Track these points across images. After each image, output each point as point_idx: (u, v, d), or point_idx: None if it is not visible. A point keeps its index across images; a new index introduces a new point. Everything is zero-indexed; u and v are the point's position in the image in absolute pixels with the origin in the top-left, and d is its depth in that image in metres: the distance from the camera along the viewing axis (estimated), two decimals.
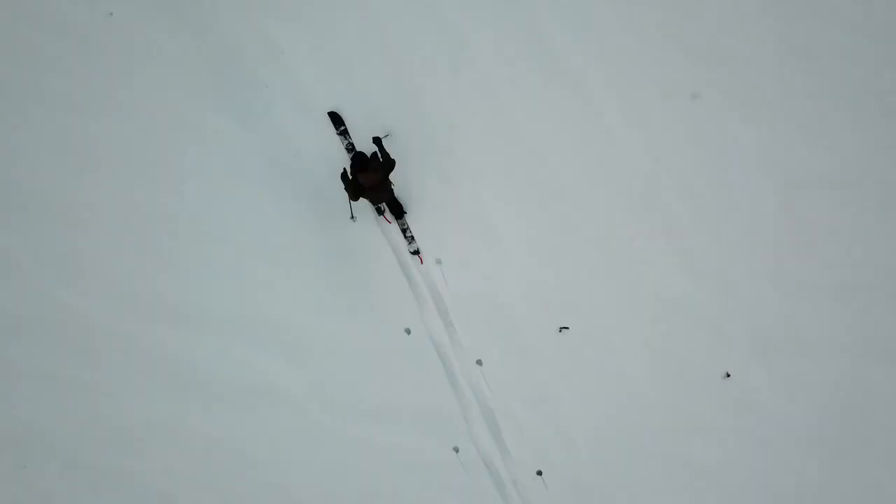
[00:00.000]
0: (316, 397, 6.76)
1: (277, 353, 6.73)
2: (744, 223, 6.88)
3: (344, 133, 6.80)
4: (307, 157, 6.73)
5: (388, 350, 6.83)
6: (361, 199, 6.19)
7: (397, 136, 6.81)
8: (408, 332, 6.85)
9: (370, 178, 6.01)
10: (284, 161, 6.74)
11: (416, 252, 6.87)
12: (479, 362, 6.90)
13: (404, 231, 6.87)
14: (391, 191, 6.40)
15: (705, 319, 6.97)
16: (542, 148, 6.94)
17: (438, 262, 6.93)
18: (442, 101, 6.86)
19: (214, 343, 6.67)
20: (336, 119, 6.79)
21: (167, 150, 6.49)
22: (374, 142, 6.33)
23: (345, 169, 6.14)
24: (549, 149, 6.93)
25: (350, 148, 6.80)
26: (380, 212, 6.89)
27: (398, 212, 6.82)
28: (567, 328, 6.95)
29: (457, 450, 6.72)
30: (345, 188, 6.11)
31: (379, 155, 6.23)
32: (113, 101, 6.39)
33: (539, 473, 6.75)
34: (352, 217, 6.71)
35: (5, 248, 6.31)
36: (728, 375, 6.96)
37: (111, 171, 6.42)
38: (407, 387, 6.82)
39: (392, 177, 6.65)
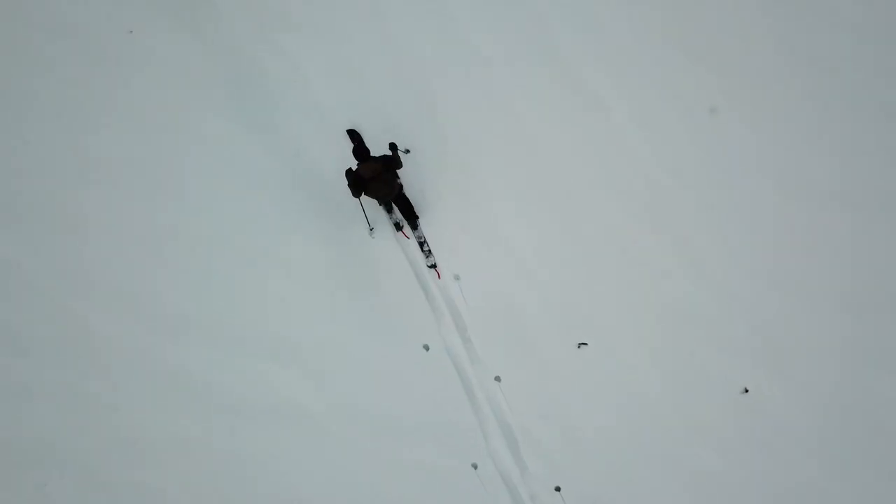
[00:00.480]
0: (333, 413, 6.73)
1: (295, 368, 6.71)
2: (764, 238, 6.86)
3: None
4: (326, 174, 6.72)
5: (407, 366, 6.82)
6: (379, 208, 6.14)
7: (415, 153, 6.78)
8: (426, 348, 6.84)
9: (370, 168, 6.01)
10: (303, 178, 6.74)
11: (434, 266, 6.84)
12: (497, 378, 6.89)
13: (422, 244, 6.86)
14: (397, 186, 6.34)
15: (721, 333, 6.97)
16: (559, 163, 6.95)
17: (457, 277, 6.92)
18: (459, 117, 6.87)
19: (232, 359, 6.65)
20: (354, 136, 6.76)
21: (184, 167, 6.47)
22: (390, 147, 6.38)
23: (350, 168, 6.17)
24: (565, 165, 6.95)
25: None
26: (398, 227, 6.87)
27: (410, 213, 6.77)
28: (585, 344, 6.93)
29: (475, 466, 6.71)
30: (348, 185, 6.13)
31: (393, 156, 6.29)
32: (130, 115, 6.38)
33: (557, 489, 6.74)
34: (370, 229, 6.69)
35: (17, 263, 6.27)
36: (746, 391, 6.94)
37: (129, 186, 6.42)
38: (425, 403, 6.80)
39: (411, 192, 6.67)
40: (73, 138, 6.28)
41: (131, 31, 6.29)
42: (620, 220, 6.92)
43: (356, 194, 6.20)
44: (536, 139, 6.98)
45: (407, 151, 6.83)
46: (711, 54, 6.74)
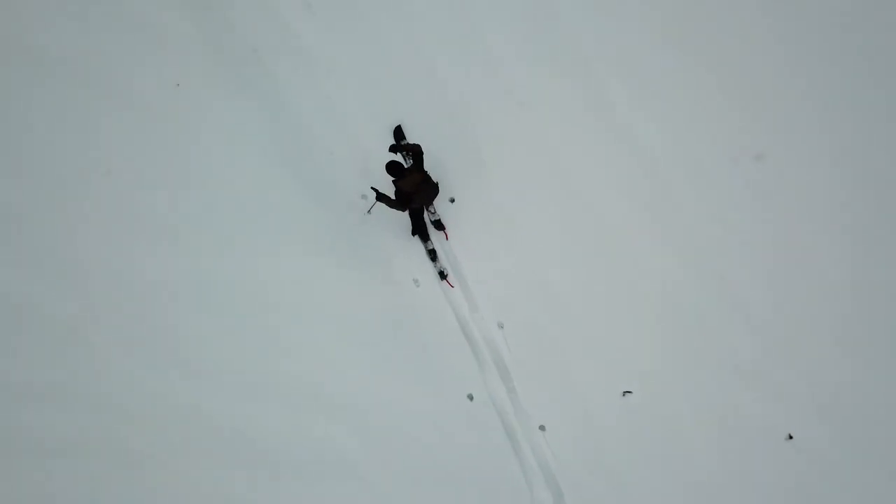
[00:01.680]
0: (378, 464, 6.65)
1: (339, 419, 6.63)
2: (819, 290, 6.82)
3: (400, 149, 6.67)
4: (371, 223, 6.63)
5: (451, 415, 6.75)
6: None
7: (461, 204, 6.74)
8: (470, 397, 6.78)
9: (409, 181, 5.80)
10: (347, 227, 6.65)
11: (443, 274, 6.78)
12: (541, 427, 6.83)
13: (431, 252, 6.79)
14: (436, 186, 6.15)
15: (767, 380, 6.93)
16: (603, 209, 6.91)
17: (500, 325, 6.86)
18: (502, 162, 6.84)
19: (276, 411, 6.57)
20: (399, 134, 6.68)
21: (232, 220, 6.42)
22: (391, 149, 6.11)
23: (376, 190, 5.99)
24: (610, 210, 6.90)
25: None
26: (443, 276, 6.82)
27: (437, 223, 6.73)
28: (630, 392, 6.88)
29: None
30: (385, 201, 5.92)
31: (403, 157, 6.03)
32: (178, 171, 6.33)
33: None
34: (368, 212, 6.50)
35: (72, 318, 6.21)
36: (790, 437, 6.90)
37: (178, 244, 6.34)
38: (469, 452, 6.73)
39: (456, 239, 6.63)
40: (122, 195, 6.22)
41: (178, 85, 6.23)
42: (666, 266, 6.87)
43: (404, 208, 6.05)
44: (579, 185, 6.93)
45: (452, 201, 6.78)
46: (774, 114, 6.67)
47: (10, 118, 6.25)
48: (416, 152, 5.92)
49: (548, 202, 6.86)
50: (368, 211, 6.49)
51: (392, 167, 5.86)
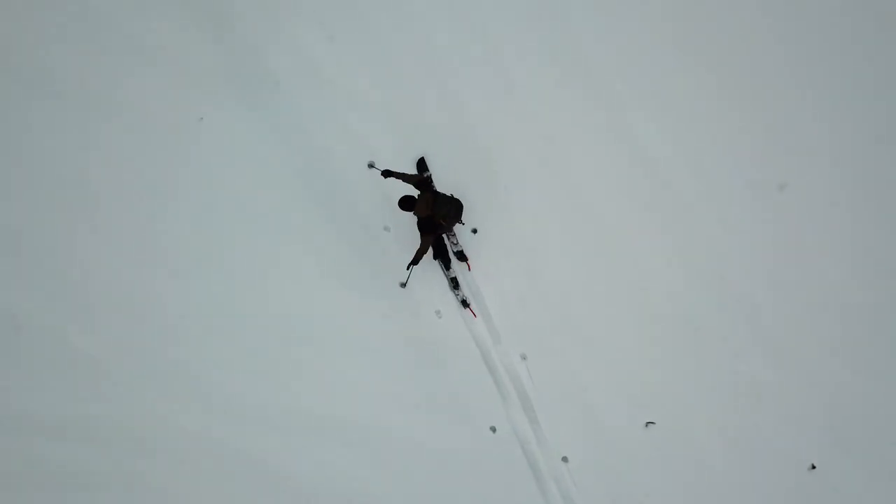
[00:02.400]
0: (401, 497, 6.63)
1: (362, 452, 6.61)
2: (834, 316, 6.80)
3: (429, 179, 6.59)
4: (394, 255, 6.60)
5: (474, 448, 6.73)
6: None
7: (483, 235, 6.71)
8: (493, 429, 6.75)
9: (422, 204, 5.58)
10: (369, 258, 6.61)
11: (466, 303, 6.76)
12: (564, 459, 6.80)
13: (453, 280, 6.74)
14: (452, 198, 5.94)
15: (790, 410, 6.90)
16: (628, 243, 6.84)
17: (523, 357, 6.83)
18: (528, 197, 6.76)
19: (297, 443, 6.55)
20: (422, 166, 6.65)
21: (255, 253, 6.39)
22: (383, 174, 5.77)
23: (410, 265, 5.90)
24: (634, 244, 6.84)
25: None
26: (465, 304, 6.79)
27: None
28: (653, 423, 6.85)
29: None
30: (418, 258, 5.82)
31: (400, 176, 5.74)
32: (204, 204, 6.30)
33: None
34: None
35: (95, 357, 6.20)
36: (813, 467, 6.87)
37: (203, 277, 6.32)
38: (493, 484, 6.71)
39: (478, 270, 6.60)
40: (144, 225, 6.19)
41: (202, 119, 6.20)
42: (692, 299, 6.83)
43: (435, 234, 5.90)
44: (603, 215, 6.88)
45: (474, 231, 6.75)
46: (797, 143, 6.64)
47: (32, 150, 6.21)
48: (412, 181, 5.72)
49: (570, 234, 6.81)
50: (404, 284, 6.54)
51: (404, 203, 5.76)
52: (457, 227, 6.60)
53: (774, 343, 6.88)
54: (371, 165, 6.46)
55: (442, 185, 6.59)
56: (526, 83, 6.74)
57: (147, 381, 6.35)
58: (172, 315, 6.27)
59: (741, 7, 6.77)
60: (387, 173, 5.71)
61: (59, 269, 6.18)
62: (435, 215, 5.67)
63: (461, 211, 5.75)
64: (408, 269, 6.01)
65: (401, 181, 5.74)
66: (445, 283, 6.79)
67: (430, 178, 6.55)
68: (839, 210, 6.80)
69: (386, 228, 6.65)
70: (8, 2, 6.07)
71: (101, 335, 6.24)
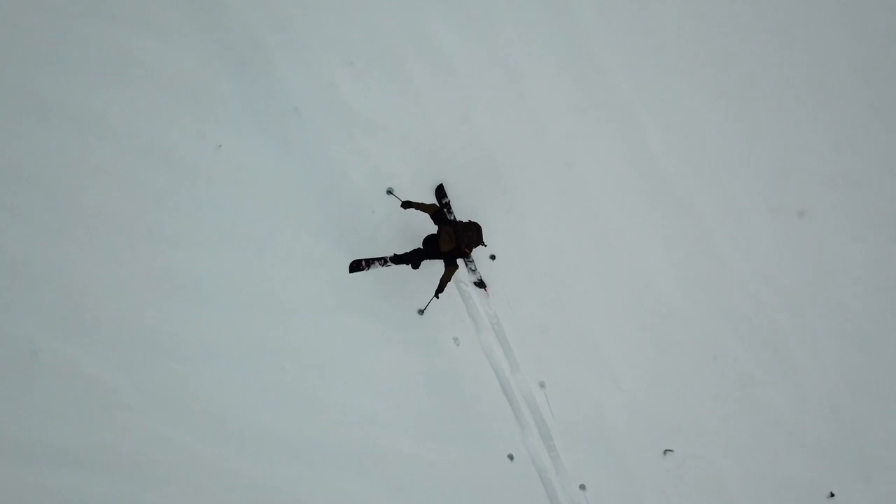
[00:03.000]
0: None
1: (381, 482, 6.55)
2: (855, 344, 6.77)
3: (447, 206, 6.57)
4: (413, 283, 6.53)
5: (492, 476, 6.68)
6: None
7: (501, 261, 6.66)
8: (510, 458, 6.69)
9: (445, 240, 5.52)
10: (388, 287, 6.54)
11: (482, 283, 6.64)
12: (582, 487, 6.75)
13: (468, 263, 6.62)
14: (469, 223, 5.82)
15: (809, 437, 6.88)
16: (648, 269, 6.79)
17: (542, 385, 6.77)
18: (547, 223, 6.69)
19: (317, 473, 6.48)
20: (441, 192, 6.57)
21: (273, 282, 6.31)
22: (403, 205, 5.70)
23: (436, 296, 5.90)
24: (654, 270, 6.79)
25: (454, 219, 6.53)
26: (481, 284, 6.66)
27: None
28: (672, 451, 6.80)
29: None
30: (442, 288, 5.77)
31: (419, 206, 5.68)
32: (221, 233, 6.22)
33: None
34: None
35: (109, 386, 6.13)
36: (832, 495, 6.84)
37: (220, 306, 6.24)
38: None
39: (497, 297, 6.55)
40: (161, 254, 6.11)
41: (220, 146, 6.13)
42: (711, 326, 6.79)
43: (455, 260, 5.76)
44: (621, 241, 6.82)
45: (493, 258, 6.69)
46: (818, 170, 6.61)
47: (43, 177, 6.13)
48: (430, 211, 5.66)
49: (590, 259, 6.74)
50: (422, 311, 6.50)
51: (428, 245, 5.76)
52: (475, 253, 6.56)
53: (793, 371, 6.85)
54: (390, 192, 6.40)
55: (461, 210, 6.54)
56: (546, 109, 6.67)
57: (162, 409, 6.27)
58: (188, 343, 6.19)
59: (759, 37, 6.72)
60: (406, 204, 5.65)
61: (73, 297, 6.10)
62: (460, 245, 5.62)
63: (481, 233, 5.72)
64: (436, 296, 5.93)
65: (420, 211, 5.70)
66: (463, 310, 6.70)
67: (448, 204, 6.49)
68: (860, 237, 6.76)
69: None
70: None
71: (115, 363, 6.16)
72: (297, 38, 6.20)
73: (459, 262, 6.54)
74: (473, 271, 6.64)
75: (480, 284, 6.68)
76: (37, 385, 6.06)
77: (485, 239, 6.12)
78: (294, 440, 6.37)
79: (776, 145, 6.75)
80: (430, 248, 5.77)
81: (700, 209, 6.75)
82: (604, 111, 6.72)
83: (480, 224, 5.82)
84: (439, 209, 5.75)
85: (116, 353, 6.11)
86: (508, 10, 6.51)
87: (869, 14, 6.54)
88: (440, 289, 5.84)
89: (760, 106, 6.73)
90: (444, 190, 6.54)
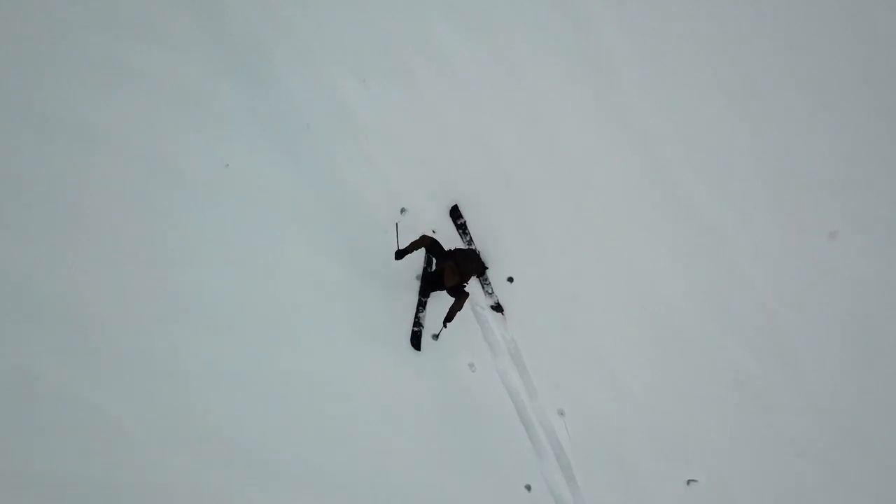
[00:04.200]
0: None
1: None
2: (883, 375, 6.52)
3: (463, 227, 6.34)
4: (426, 308, 6.28)
5: None
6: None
7: (520, 284, 6.42)
8: (528, 488, 6.43)
9: (449, 275, 5.32)
10: (401, 310, 6.29)
11: (499, 308, 6.40)
12: None
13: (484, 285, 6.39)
14: (468, 251, 5.78)
15: (838, 467, 6.64)
16: (671, 293, 6.55)
17: (561, 413, 6.52)
18: (566, 244, 6.45)
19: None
20: (456, 213, 6.34)
21: (282, 305, 6.05)
22: (397, 257, 5.45)
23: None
24: (677, 294, 6.55)
25: (469, 241, 6.35)
26: (498, 308, 6.43)
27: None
28: (695, 481, 6.55)
29: None
30: (452, 316, 5.57)
31: (411, 250, 5.44)
32: (229, 253, 5.95)
33: None
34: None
35: (117, 416, 5.87)
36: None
37: (227, 330, 5.97)
38: None
39: (515, 320, 6.31)
40: (166, 279, 5.84)
41: (227, 165, 5.86)
42: (737, 352, 6.55)
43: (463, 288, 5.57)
44: (641, 262, 6.59)
45: (510, 280, 6.43)
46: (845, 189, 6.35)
47: (41, 193, 5.86)
48: (424, 246, 5.41)
49: (611, 282, 6.51)
50: (436, 336, 6.27)
51: (435, 284, 5.55)
52: (492, 275, 6.32)
53: (819, 400, 6.63)
54: (403, 211, 6.15)
55: (478, 229, 6.29)
56: (563, 125, 6.44)
57: (168, 437, 6.00)
58: (195, 370, 5.92)
59: (780, 52, 6.47)
60: (400, 254, 5.38)
61: (74, 324, 5.83)
62: (465, 277, 5.51)
63: (481, 259, 5.48)
64: (444, 325, 5.70)
65: (416, 251, 5.49)
66: (479, 335, 6.45)
67: (464, 225, 6.26)
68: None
69: (418, 278, 6.33)
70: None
71: (118, 390, 5.89)
72: (311, 56, 5.96)
73: (475, 283, 6.32)
74: (490, 294, 6.38)
75: (498, 308, 6.41)
76: (37, 416, 5.78)
77: (503, 260, 5.89)
78: (305, 468, 6.10)
79: (806, 165, 6.49)
80: (439, 288, 5.53)
81: (725, 230, 6.53)
82: (623, 129, 6.49)
83: (499, 249, 5.57)
84: (432, 241, 5.48)
85: (118, 380, 5.84)
86: (520, 17, 6.24)
87: None
88: (449, 317, 5.60)
89: (788, 125, 6.50)
90: (458, 210, 6.27)
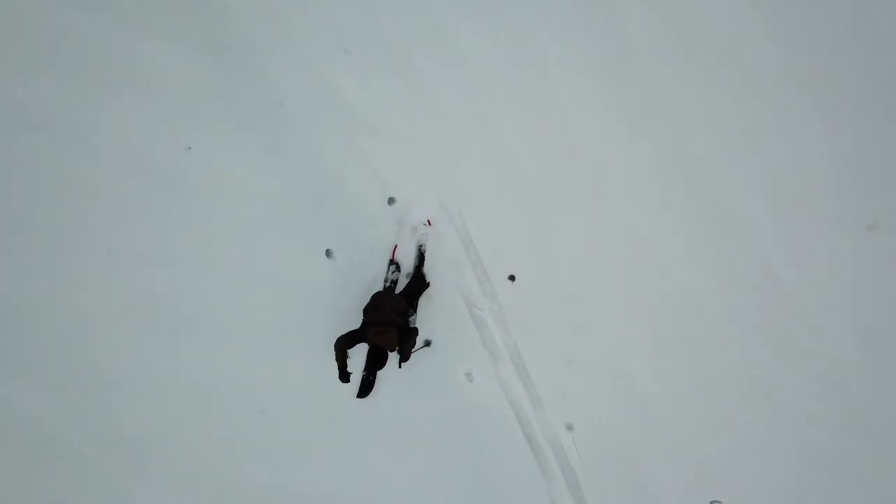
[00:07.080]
0: None
1: None
2: None
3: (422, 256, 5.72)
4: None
5: None
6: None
7: (522, 284, 5.75)
8: None
9: (382, 336, 4.76)
10: None
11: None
12: None
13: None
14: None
15: (874, 484, 6.00)
16: (690, 293, 5.87)
17: (569, 427, 5.86)
18: (574, 239, 5.81)
19: None
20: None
21: (257, 311, 5.38)
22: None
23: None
24: (697, 294, 5.87)
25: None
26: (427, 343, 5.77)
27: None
28: (719, 503, 5.90)
29: None
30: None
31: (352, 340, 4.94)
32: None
33: None
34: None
35: (64, 436, 5.19)
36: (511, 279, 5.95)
37: (197, 334, 5.32)
38: None
39: (516, 324, 5.64)
40: (127, 278, 5.17)
41: (189, 148, 5.15)
42: (764, 358, 5.88)
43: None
44: (658, 257, 5.92)
45: (512, 279, 5.76)
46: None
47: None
48: (343, 348, 4.90)
49: (623, 281, 5.84)
50: (429, 342, 5.72)
51: (381, 361, 4.87)
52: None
53: (856, 411, 5.95)
54: (391, 201, 5.47)
55: (477, 226, 5.62)
56: (573, 107, 5.76)
57: (125, 460, 5.32)
58: (180, 392, 5.26)
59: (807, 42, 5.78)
60: (344, 377, 4.98)
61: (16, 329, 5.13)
62: (392, 322, 4.91)
63: (393, 292, 5.24)
64: (399, 367, 5.26)
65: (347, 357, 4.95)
66: (478, 340, 5.77)
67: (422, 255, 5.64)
68: None
69: (408, 276, 5.65)
70: None
71: (65, 407, 5.22)
72: (284, 22, 5.24)
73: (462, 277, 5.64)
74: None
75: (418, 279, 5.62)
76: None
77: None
78: (295, 497, 5.45)
79: (842, 152, 5.80)
80: (379, 361, 4.87)
81: (754, 220, 5.81)
82: (641, 112, 5.78)
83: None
84: (365, 322, 4.91)
85: (67, 395, 5.16)
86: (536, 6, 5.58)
87: None
88: (405, 357, 5.05)
89: (820, 112, 5.77)
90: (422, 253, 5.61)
